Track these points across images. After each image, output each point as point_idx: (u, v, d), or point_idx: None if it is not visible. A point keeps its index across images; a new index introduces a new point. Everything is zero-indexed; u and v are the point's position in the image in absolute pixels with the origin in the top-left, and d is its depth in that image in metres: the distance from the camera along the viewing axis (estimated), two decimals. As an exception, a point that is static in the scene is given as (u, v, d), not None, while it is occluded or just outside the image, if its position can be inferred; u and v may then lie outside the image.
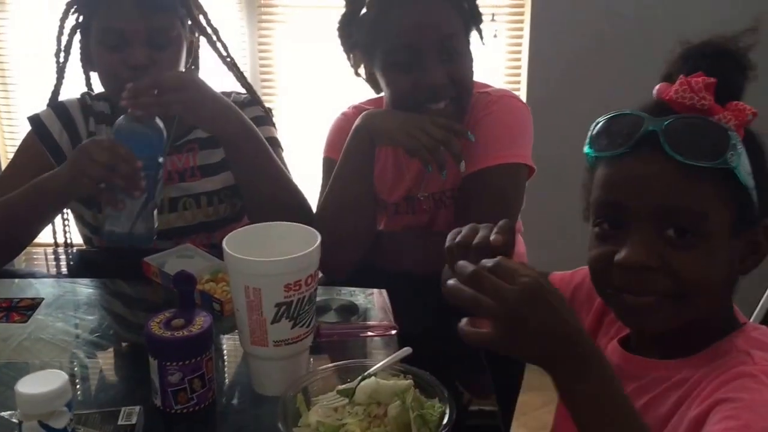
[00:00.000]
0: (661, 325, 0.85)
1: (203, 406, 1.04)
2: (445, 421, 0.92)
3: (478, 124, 1.40)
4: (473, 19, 1.42)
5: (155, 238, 1.39)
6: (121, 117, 1.33)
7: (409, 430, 0.93)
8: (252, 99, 1.63)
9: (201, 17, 1.56)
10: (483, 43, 1.44)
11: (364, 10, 1.41)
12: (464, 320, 0.75)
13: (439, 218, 1.50)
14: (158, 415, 1.02)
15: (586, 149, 0.87)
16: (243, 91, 1.65)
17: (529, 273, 0.72)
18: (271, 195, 1.45)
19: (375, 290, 1.39)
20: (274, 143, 1.60)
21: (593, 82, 2.57)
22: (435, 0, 1.35)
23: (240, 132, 1.42)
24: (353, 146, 1.40)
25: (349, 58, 1.48)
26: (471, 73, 1.41)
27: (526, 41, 2.65)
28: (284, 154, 1.63)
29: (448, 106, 1.38)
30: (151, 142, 1.33)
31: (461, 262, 0.76)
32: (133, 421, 0.99)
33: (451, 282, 0.75)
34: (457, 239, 0.99)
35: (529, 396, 2.18)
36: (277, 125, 1.68)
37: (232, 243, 1.07)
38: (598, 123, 0.86)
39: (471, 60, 1.41)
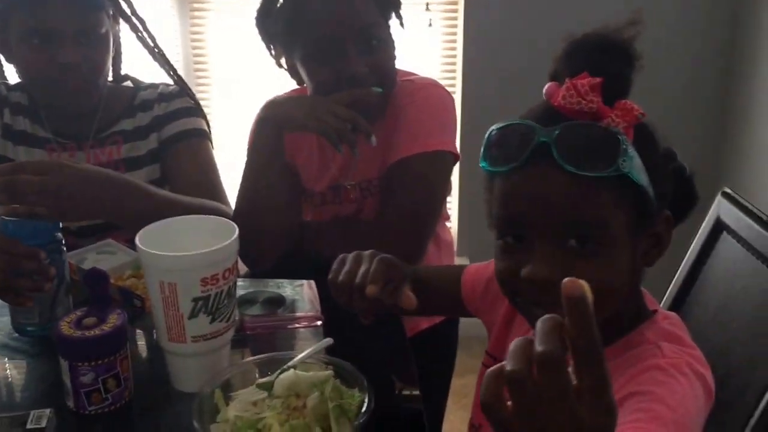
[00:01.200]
0: None
1: (119, 405, 1.01)
2: (363, 409, 0.92)
3: (402, 112, 1.39)
4: (391, 4, 1.40)
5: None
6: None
7: (327, 421, 0.92)
8: (181, 90, 1.60)
9: (126, 7, 1.52)
10: (402, 27, 1.42)
11: (280, 2, 1.38)
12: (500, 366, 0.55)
13: (367, 207, 1.49)
14: (72, 417, 1.00)
15: (480, 163, 0.84)
16: (171, 82, 1.61)
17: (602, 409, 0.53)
18: None
19: (304, 281, 1.38)
20: (202, 135, 1.57)
21: (529, 69, 2.58)
22: None
23: (124, 208, 1.31)
24: (260, 138, 1.38)
25: (269, 50, 1.46)
26: (393, 61, 1.39)
27: (460, 30, 2.65)
28: (220, 146, 1.60)
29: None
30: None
31: (548, 317, 0.54)
32: (43, 425, 0.96)
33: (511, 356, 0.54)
34: (340, 278, 1.00)
35: (468, 379, 2.19)
36: (209, 117, 1.65)
37: (146, 238, 1.04)
38: (490, 133, 0.83)
39: (393, 48, 1.39)
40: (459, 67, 2.70)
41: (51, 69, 1.40)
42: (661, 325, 0.86)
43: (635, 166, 0.77)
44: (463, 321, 1.66)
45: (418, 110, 1.39)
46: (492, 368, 0.55)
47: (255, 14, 1.43)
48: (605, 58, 0.80)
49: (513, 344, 0.54)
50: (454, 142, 1.42)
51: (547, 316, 0.54)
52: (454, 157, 1.42)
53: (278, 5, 1.38)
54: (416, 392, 1.11)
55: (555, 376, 0.51)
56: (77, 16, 1.39)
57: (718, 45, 2.50)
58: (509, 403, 0.53)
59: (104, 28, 1.44)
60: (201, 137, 1.56)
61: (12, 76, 1.58)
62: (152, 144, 1.55)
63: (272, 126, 1.36)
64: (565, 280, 0.53)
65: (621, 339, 0.85)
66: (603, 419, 0.52)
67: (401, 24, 1.42)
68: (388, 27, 1.40)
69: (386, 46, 1.37)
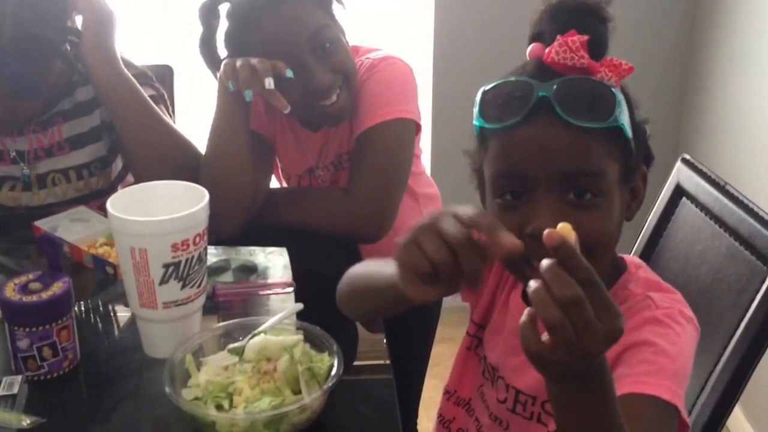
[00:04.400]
0: None
1: (57, 374, 1.02)
2: (333, 373, 0.94)
3: (362, 87, 1.42)
4: None
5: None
6: None
7: (297, 384, 0.94)
8: (138, 73, 1.49)
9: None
10: (344, 8, 1.43)
11: (228, 28, 1.38)
12: (528, 314, 0.64)
13: (340, 182, 1.52)
14: (44, 384, 1.01)
15: (475, 122, 0.85)
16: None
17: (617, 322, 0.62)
18: (151, 144, 1.41)
19: (275, 248, 1.38)
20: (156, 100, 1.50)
21: (502, 36, 2.57)
22: (290, 2, 1.33)
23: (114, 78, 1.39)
24: (218, 99, 1.38)
25: (215, 75, 1.42)
26: (347, 53, 1.41)
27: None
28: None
29: (340, 95, 1.39)
30: None
31: (550, 267, 0.62)
32: (15, 391, 0.97)
33: (535, 286, 0.62)
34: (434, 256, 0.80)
35: (441, 347, 2.23)
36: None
37: (117, 203, 1.04)
38: (485, 93, 0.85)
39: (344, 37, 1.41)
40: (431, 38, 2.68)
41: None
42: (639, 276, 0.90)
43: (626, 119, 0.81)
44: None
45: (378, 82, 1.42)
46: (525, 317, 0.64)
47: (199, 43, 1.42)
48: (586, 19, 0.83)
49: (534, 294, 0.62)
50: (415, 110, 1.45)
51: (547, 264, 0.62)
52: (416, 126, 1.45)
53: (225, 31, 1.38)
54: (384, 362, 1.13)
55: (583, 310, 0.60)
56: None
57: (680, 14, 2.52)
58: (544, 339, 0.63)
59: (40, 86, 1.35)
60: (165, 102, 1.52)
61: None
62: (95, 121, 1.49)
63: (222, 87, 1.37)
64: (545, 233, 0.62)
65: None
66: (617, 322, 0.62)
67: (342, 5, 1.43)
68: (334, 21, 1.41)
69: (339, 43, 1.38)
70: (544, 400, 0.94)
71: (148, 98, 1.43)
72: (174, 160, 1.41)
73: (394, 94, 1.42)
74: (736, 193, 1.10)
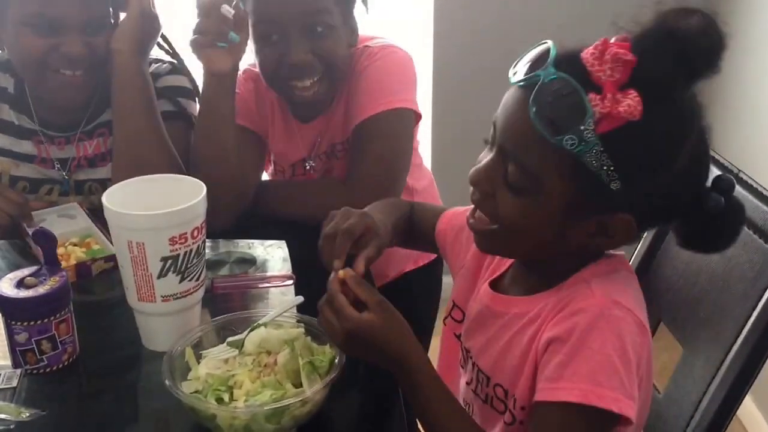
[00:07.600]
0: (483, 246, 0.92)
1: (56, 367, 1.01)
2: (334, 365, 0.92)
3: (361, 76, 1.41)
4: None
5: None
6: None
7: (298, 377, 0.92)
8: (174, 68, 1.51)
9: None
10: (367, 12, 1.43)
11: None
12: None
13: (334, 172, 1.51)
14: (42, 376, 1.00)
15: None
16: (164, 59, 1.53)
17: (350, 317, 0.88)
18: (135, 150, 1.38)
19: (274, 241, 1.37)
20: (188, 119, 1.49)
21: (502, 29, 2.56)
22: None
23: (135, 84, 1.38)
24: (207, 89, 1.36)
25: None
26: (341, 47, 1.39)
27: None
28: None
29: (315, 83, 1.37)
30: None
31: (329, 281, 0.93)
32: (14, 384, 0.96)
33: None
34: (327, 230, 1.00)
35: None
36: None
37: (113, 197, 1.03)
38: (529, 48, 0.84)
39: (346, 32, 1.39)
40: (431, 32, 2.67)
41: (51, 58, 1.32)
42: (600, 265, 0.87)
43: (589, 154, 0.75)
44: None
45: (378, 71, 1.41)
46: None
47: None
48: (671, 46, 0.77)
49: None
50: (414, 99, 1.44)
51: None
52: (416, 115, 1.44)
53: None
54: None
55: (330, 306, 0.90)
56: (87, 7, 1.32)
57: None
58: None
59: (109, 17, 1.38)
60: (186, 121, 1.49)
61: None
62: None
63: (204, 73, 1.35)
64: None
65: (564, 282, 0.87)
66: (345, 324, 0.88)
67: (366, 6, 1.42)
68: (343, 13, 1.39)
69: (333, 33, 1.36)
70: (496, 383, 0.92)
71: (157, 109, 1.41)
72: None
73: (394, 84, 1.41)
74: (750, 181, 1.07)
